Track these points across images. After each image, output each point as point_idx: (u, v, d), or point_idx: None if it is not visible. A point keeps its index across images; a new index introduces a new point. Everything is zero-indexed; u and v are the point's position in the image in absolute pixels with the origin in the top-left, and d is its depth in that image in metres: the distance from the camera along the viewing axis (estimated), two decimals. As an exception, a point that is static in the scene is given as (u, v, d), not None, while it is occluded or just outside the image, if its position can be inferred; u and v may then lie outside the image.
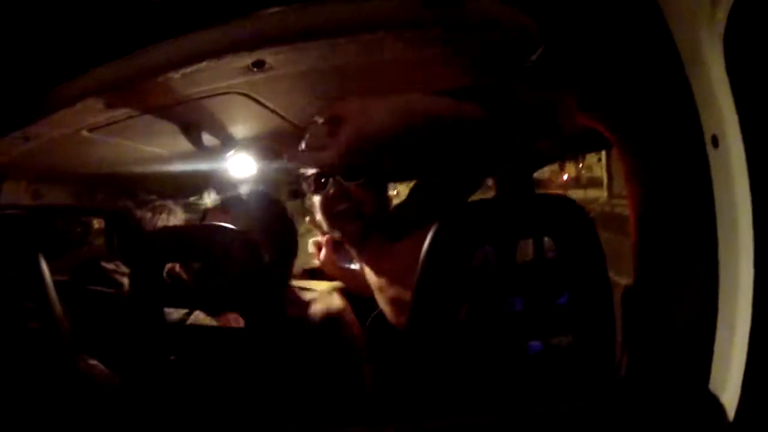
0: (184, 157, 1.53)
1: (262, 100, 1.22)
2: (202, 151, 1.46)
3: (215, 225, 1.15)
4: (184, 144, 1.41)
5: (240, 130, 1.44)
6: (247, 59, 0.97)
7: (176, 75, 0.99)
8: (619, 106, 0.70)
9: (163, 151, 1.46)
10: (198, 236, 0.99)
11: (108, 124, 1.19)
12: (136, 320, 0.97)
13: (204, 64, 0.96)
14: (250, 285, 0.87)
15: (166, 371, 0.98)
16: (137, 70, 0.98)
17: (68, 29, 0.91)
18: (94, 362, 1.17)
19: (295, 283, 2.14)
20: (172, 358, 0.99)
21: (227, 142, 1.48)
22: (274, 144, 1.56)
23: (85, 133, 1.20)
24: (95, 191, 1.59)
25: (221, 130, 1.40)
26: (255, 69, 1.01)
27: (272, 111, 1.28)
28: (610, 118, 0.72)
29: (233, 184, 1.93)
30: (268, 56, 0.96)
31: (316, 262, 1.78)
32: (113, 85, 1.01)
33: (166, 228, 1.35)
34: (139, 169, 1.53)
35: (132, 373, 1.10)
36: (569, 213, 0.72)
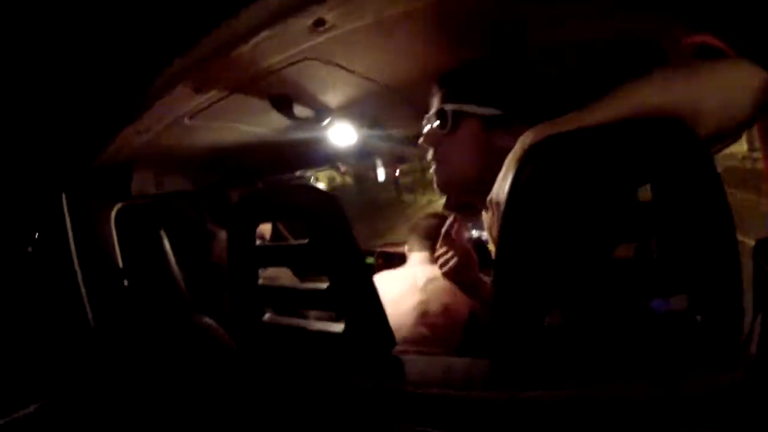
0: (284, 132, 1.65)
1: (340, 63, 1.24)
2: (298, 124, 1.56)
3: (300, 185, 1.24)
4: (279, 119, 1.51)
5: (330, 98, 1.49)
6: (307, 20, 0.99)
7: (246, 47, 1.07)
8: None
9: (262, 128, 1.59)
10: (285, 196, 1.07)
11: (203, 109, 1.34)
12: (233, 281, 1.09)
13: (266, 32, 1.01)
14: (334, 246, 0.91)
15: (261, 330, 1.10)
16: (210, 50, 1.08)
17: (143, 26, 1.05)
18: (208, 320, 1.38)
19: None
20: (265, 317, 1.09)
21: (321, 112, 1.55)
22: (369, 108, 1.59)
23: (187, 120, 1.36)
24: (208, 175, 1.82)
25: (311, 100, 1.46)
26: (319, 29, 1.03)
27: (352, 72, 1.29)
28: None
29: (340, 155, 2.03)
30: (325, 13, 0.97)
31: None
32: (193, 70, 1.13)
33: (256, 190, 1.47)
34: (245, 149, 1.70)
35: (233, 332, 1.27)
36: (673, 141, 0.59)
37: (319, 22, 1.00)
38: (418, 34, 1.12)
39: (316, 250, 0.92)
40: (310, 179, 2.61)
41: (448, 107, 1.14)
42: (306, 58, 1.17)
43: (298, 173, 2.21)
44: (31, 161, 1.39)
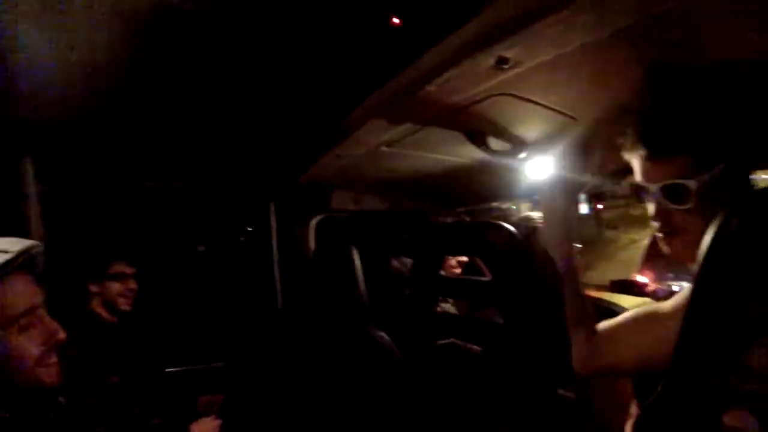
0: (480, 163, 1.68)
1: (529, 98, 1.22)
2: (494, 156, 1.57)
3: (486, 222, 1.26)
4: (475, 151, 1.55)
5: (525, 131, 1.46)
6: (489, 59, 1.01)
7: (432, 87, 1.14)
8: None
9: (457, 158, 1.65)
10: (471, 231, 1.11)
11: (399, 139, 1.46)
12: (413, 303, 1.19)
13: (450, 72, 1.07)
14: (514, 286, 0.92)
15: (431, 352, 1.17)
16: (399, 89, 1.19)
17: (339, 71, 1.23)
18: (381, 333, 1.51)
19: (598, 294, 2.02)
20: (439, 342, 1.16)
21: (517, 145, 1.53)
22: (567, 143, 1.51)
23: (383, 148, 1.51)
24: (405, 199, 1.97)
25: (505, 134, 1.46)
26: (503, 66, 1.04)
27: (543, 106, 1.25)
28: None
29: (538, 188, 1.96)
30: (506, 51, 0.97)
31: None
32: (385, 106, 1.26)
33: (447, 222, 1.53)
34: (442, 177, 1.77)
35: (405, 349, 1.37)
36: None
37: (502, 61, 1.00)
38: (603, 67, 1.04)
39: (497, 288, 0.94)
40: (508, 210, 2.58)
41: (691, 184, 0.91)
42: (493, 95, 1.18)
43: (495, 204, 2.21)
44: (250, 175, 1.76)
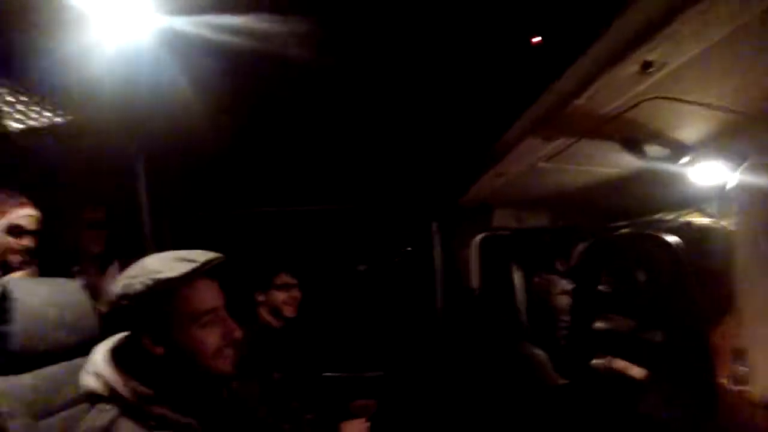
0: (639, 173, 1.68)
1: (683, 98, 1.24)
2: (652, 163, 1.57)
3: (653, 234, 1.28)
4: (632, 160, 1.57)
5: (685, 134, 1.45)
6: (633, 65, 1.09)
7: (581, 100, 1.24)
8: None
9: (615, 170, 1.67)
10: (626, 245, 1.16)
11: (556, 154, 1.56)
12: (573, 321, 1.26)
13: (595, 84, 1.17)
14: (672, 300, 0.96)
15: (588, 371, 1.21)
16: (549, 106, 1.31)
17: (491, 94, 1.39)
18: (537, 350, 1.56)
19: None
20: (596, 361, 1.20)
21: (677, 150, 1.52)
22: (738, 141, 1.46)
23: (541, 164, 1.62)
24: (564, 213, 2.01)
25: (662, 139, 1.47)
26: (648, 70, 1.10)
27: (701, 104, 1.26)
28: None
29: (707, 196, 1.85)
30: (648, 55, 1.04)
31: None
32: (539, 122, 1.38)
33: (601, 238, 1.55)
34: (601, 190, 1.80)
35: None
36: None
37: (647, 65, 1.07)
38: (760, 50, 1.03)
39: (654, 301, 0.97)
40: (674, 221, 2.40)
41: None
42: (643, 100, 1.24)
43: (657, 216, 2.11)
44: (413, 197, 1.98)
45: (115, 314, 1.14)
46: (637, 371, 1.05)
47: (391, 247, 2.83)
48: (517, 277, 1.76)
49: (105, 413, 1.04)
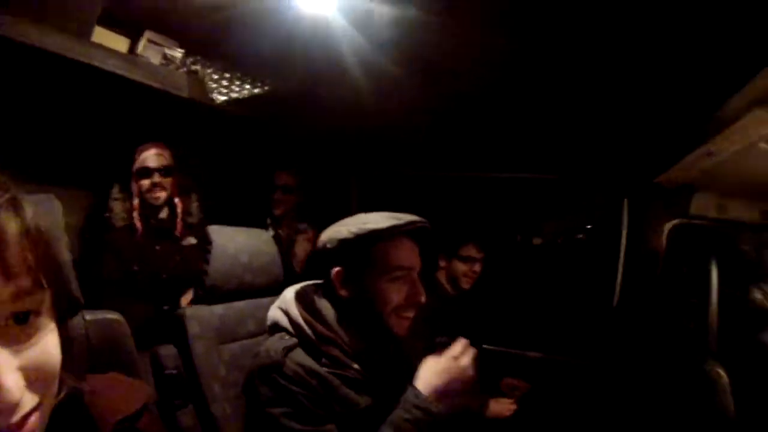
0: None
1: None
2: None
3: None
4: None
5: None
6: None
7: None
8: None
9: None
10: None
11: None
12: None
13: None
14: None
15: None
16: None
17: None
18: (721, 371, 1.35)
19: None
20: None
21: None
22: None
23: (762, 144, 1.34)
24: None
25: None
26: None
27: None
28: None
29: None
30: None
31: None
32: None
33: None
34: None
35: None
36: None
37: None
38: None
39: None
40: None
41: None
42: None
43: None
44: (606, 171, 1.78)
45: (317, 257, 1.27)
46: None
47: (574, 223, 2.65)
48: (713, 279, 1.52)
49: (285, 341, 1.17)
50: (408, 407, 1.10)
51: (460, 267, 2.18)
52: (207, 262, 1.55)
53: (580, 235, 2.57)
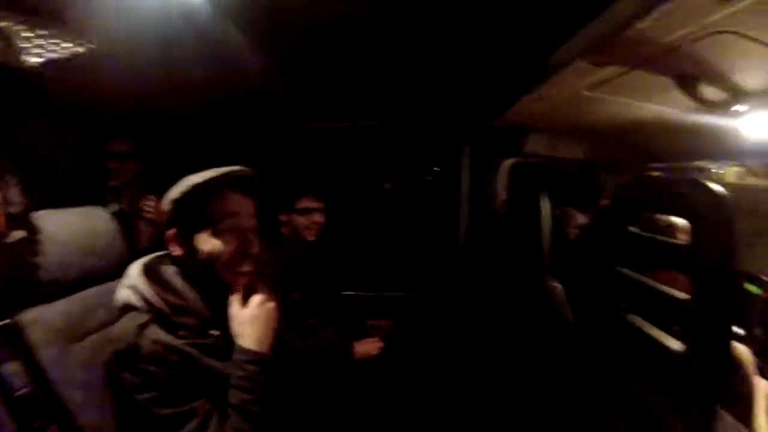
0: (686, 115, 1.57)
1: (760, 37, 1.13)
2: (705, 107, 1.47)
3: (689, 179, 1.21)
4: (683, 100, 1.46)
5: (747, 79, 1.33)
6: (711, -10, 0.97)
7: (646, 22, 1.12)
8: None
9: (663, 108, 1.57)
10: (668, 188, 1.10)
11: (603, 82, 1.45)
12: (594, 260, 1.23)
13: (668, 4, 1.04)
14: (714, 253, 0.91)
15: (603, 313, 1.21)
16: (611, 25, 1.19)
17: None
18: (555, 283, 1.56)
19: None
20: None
21: (734, 95, 1.41)
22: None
23: (584, 92, 1.51)
24: (604, 148, 1.93)
25: (721, 81, 1.35)
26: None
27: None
28: None
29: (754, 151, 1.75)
30: (733, -18, 0.94)
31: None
32: (593, 45, 1.27)
33: (638, 177, 1.48)
34: (643, 128, 1.70)
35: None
36: None
37: (729, -9, 0.97)
38: None
39: (693, 254, 0.92)
40: (711, 172, 2.30)
41: None
42: (716, 32, 1.12)
43: (699, 164, 2.02)
44: (446, 116, 1.89)
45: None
46: (673, 342, 1.01)
47: (420, 167, 2.77)
48: (544, 208, 1.72)
49: (137, 319, 1.11)
50: (241, 365, 1.11)
51: (300, 220, 2.18)
52: (37, 255, 1.36)
53: (429, 177, 2.72)
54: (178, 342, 1.10)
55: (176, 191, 1.18)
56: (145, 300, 1.14)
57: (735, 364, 1.15)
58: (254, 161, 1.34)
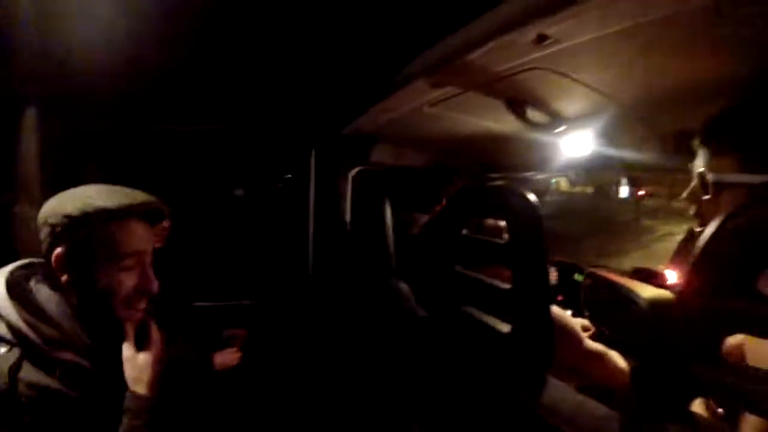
0: (518, 133, 1.71)
1: (570, 74, 1.24)
2: (531, 127, 1.60)
3: (505, 187, 1.34)
4: (514, 120, 1.58)
5: (564, 107, 1.48)
6: (530, 34, 1.04)
7: (476, 55, 1.18)
8: None
9: (496, 125, 1.69)
10: (492, 195, 1.20)
11: (442, 100, 1.51)
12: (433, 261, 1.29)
13: (493, 43, 1.11)
14: (525, 250, 1.01)
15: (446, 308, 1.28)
16: (446, 53, 1.24)
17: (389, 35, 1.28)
18: (402, 284, 1.62)
19: (619, 279, 2.05)
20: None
21: (556, 119, 1.56)
22: (606, 123, 1.53)
23: (426, 108, 1.56)
24: (445, 159, 2.03)
25: (545, 107, 1.48)
26: (544, 42, 1.07)
27: (583, 84, 1.28)
28: None
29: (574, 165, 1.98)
30: (546, 29, 1.01)
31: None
32: (431, 68, 1.31)
33: (468, 186, 1.59)
34: (480, 141, 1.82)
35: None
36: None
37: (542, 38, 1.04)
38: (646, 52, 1.06)
39: (511, 250, 1.03)
40: (547, 181, 2.58)
41: (710, 177, 0.99)
42: (535, 68, 1.22)
43: (529, 174, 2.24)
44: (294, 122, 1.85)
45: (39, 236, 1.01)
46: (502, 325, 1.11)
47: (271, 173, 2.67)
48: (389, 214, 1.77)
49: (5, 355, 0.91)
50: (137, 413, 0.99)
51: None
52: None
53: (280, 184, 2.65)
54: (55, 384, 0.92)
55: (75, 208, 0.97)
56: (15, 330, 0.93)
57: (566, 333, 1.37)
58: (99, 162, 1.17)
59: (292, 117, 1.87)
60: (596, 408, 0.98)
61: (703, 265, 0.71)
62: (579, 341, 1.40)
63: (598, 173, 2.21)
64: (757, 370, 0.66)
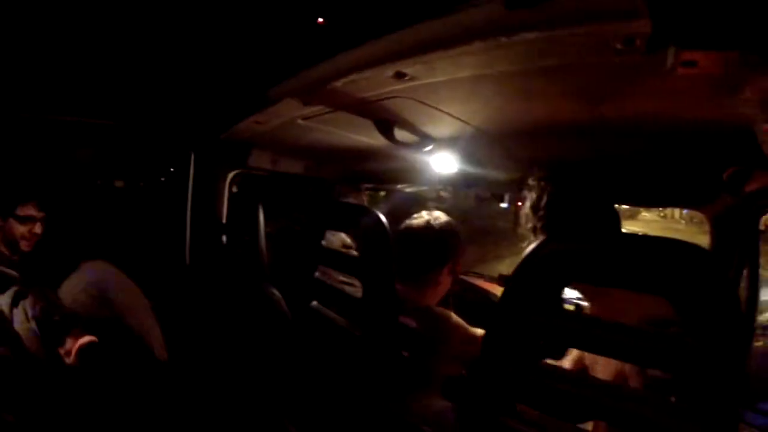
0: (389, 148, 1.79)
1: (431, 104, 1.33)
2: (400, 146, 1.68)
3: (357, 206, 1.42)
4: (382, 137, 1.65)
5: (430, 129, 1.57)
6: (389, 71, 1.10)
7: (341, 83, 1.22)
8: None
9: (368, 140, 1.74)
10: (346, 212, 1.26)
11: (314, 116, 1.54)
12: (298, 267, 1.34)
13: (354, 75, 1.16)
14: (374, 260, 1.10)
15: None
16: (312, 79, 1.27)
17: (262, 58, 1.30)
18: (274, 290, 1.65)
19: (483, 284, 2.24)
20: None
21: (423, 139, 1.65)
22: (468, 145, 1.65)
23: (300, 121, 1.57)
24: (321, 168, 2.08)
25: (412, 128, 1.57)
26: (403, 78, 1.13)
27: (445, 113, 1.38)
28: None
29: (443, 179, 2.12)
30: (403, 68, 1.07)
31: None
32: (299, 90, 1.33)
33: (326, 201, 1.66)
34: (354, 154, 1.88)
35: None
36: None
37: (400, 74, 1.10)
38: (495, 95, 1.17)
39: (362, 262, 1.10)
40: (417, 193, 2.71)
41: None
42: (398, 96, 1.28)
43: (401, 186, 2.35)
44: (175, 123, 1.81)
45: None
46: (341, 320, 1.20)
47: (156, 168, 2.54)
48: (262, 218, 1.78)
49: None
50: None
51: (18, 228, 1.85)
52: None
53: (163, 178, 2.54)
54: None
55: None
56: None
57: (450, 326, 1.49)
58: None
59: (175, 118, 1.82)
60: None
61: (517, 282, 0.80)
62: (463, 331, 1.52)
63: (464, 188, 2.37)
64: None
